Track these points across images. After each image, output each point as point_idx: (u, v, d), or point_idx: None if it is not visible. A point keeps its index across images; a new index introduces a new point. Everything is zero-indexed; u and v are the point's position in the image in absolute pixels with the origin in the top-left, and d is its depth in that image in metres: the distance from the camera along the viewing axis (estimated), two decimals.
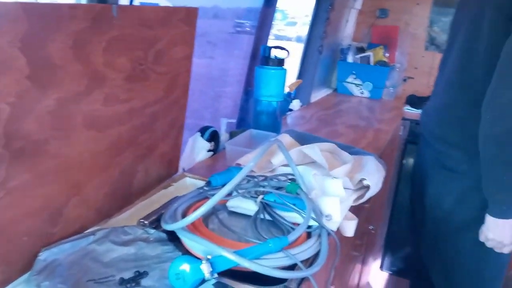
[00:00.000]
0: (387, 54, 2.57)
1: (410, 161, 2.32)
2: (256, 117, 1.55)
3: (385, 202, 2.34)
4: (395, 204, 2.41)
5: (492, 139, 1.07)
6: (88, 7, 0.73)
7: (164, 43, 0.93)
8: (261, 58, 1.48)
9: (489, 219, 1.15)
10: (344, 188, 1.07)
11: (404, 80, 2.59)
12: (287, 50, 1.49)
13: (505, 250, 1.18)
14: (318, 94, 2.51)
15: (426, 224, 1.40)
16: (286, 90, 1.91)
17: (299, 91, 2.20)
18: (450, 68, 1.31)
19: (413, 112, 2.33)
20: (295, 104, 2.14)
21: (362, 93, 2.57)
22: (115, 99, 0.85)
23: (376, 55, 2.48)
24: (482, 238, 1.19)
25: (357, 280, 1.80)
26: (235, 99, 1.76)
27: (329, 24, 2.08)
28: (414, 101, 2.43)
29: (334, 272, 1.06)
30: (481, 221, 1.20)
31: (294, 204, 0.95)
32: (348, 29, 2.62)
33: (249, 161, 0.85)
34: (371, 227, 1.82)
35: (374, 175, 1.13)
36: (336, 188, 1.01)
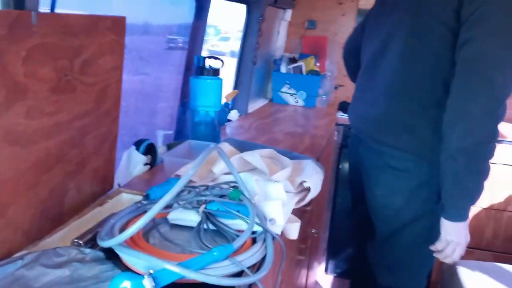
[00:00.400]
0: (318, 64, 2.66)
1: (346, 165, 2.40)
2: (194, 128, 1.52)
3: (326, 206, 2.39)
4: (335, 208, 2.47)
5: (462, 151, 1.12)
6: (4, 13, 0.68)
7: (91, 52, 0.89)
8: (196, 68, 1.46)
9: (447, 223, 1.22)
10: (286, 192, 1.08)
11: (336, 87, 2.69)
12: (221, 60, 1.49)
13: (462, 251, 1.27)
14: (255, 105, 2.54)
15: (373, 224, 1.44)
16: (223, 100, 1.92)
17: (237, 102, 2.21)
18: (387, 76, 1.32)
19: (345, 118, 2.41)
20: (233, 115, 2.15)
21: (296, 102, 2.63)
22: (40, 112, 0.79)
23: (307, 64, 2.56)
24: (441, 245, 1.25)
25: (304, 284, 1.81)
26: (171, 112, 1.73)
27: (261, 35, 2.12)
28: (345, 107, 2.53)
29: (281, 276, 1.06)
30: (427, 214, 1.30)
31: (237, 211, 0.94)
32: (280, 40, 2.69)
33: (187, 171, 0.83)
34: (314, 231, 1.85)
35: (314, 178, 1.15)
36: (278, 192, 1.01)
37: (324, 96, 2.62)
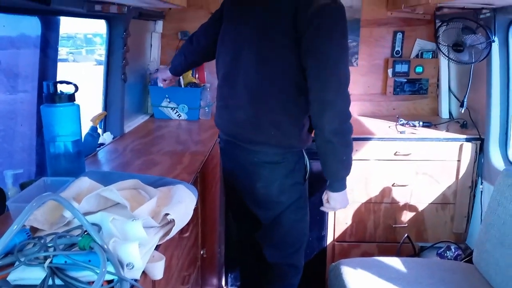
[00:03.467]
0: (196, 75, 2.61)
1: None
2: (51, 162, 1.36)
3: (217, 220, 2.35)
4: (228, 219, 2.44)
5: (334, 133, 1.41)
6: None
7: None
8: (45, 96, 1.31)
9: (335, 195, 1.55)
10: (149, 227, 1.00)
11: None
12: (74, 84, 1.35)
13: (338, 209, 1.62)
14: (134, 122, 2.40)
15: (260, 212, 1.68)
16: (89, 124, 1.76)
17: (109, 123, 2.06)
18: (247, 84, 1.53)
19: None
20: (106, 137, 1.99)
21: (179, 116, 2.55)
22: None
23: (185, 77, 2.49)
24: (325, 209, 1.62)
25: None
26: (28, 145, 1.53)
27: (128, 51, 1.99)
28: None
29: None
30: (297, 195, 1.63)
31: (89, 261, 0.84)
32: (153, 53, 2.58)
33: (13, 225, 0.71)
34: (202, 252, 1.79)
35: (181, 206, 1.09)
36: (136, 231, 0.92)
37: (206, 108, 2.57)
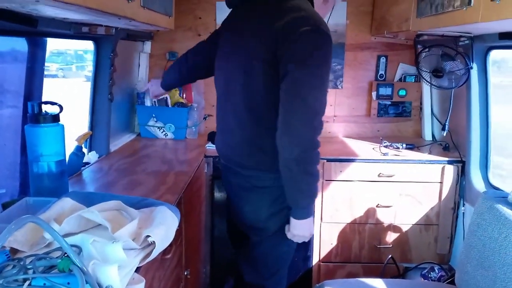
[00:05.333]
0: (184, 95, 2.63)
1: (220, 195, 2.38)
2: (34, 181, 1.36)
3: (202, 240, 2.34)
4: (213, 239, 2.43)
5: (292, 160, 1.37)
6: None
7: None
8: (30, 116, 1.31)
9: (294, 221, 1.49)
10: (129, 249, 1.00)
11: (205, 118, 2.68)
12: (59, 105, 1.36)
13: (306, 240, 1.57)
14: (120, 141, 2.40)
15: (247, 237, 1.69)
16: (74, 144, 1.76)
17: (94, 142, 2.06)
18: (236, 110, 1.55)
19: (214, 149, 2.40)
20: (92, 157, 1.99)
21: (166, 135, 2.56)
22: None
23: (172, 96, 2.51)
24: (289, 235, 1.54)
25: None
26: (8, 163, 1.52)
27: (115, 71, 2.01)
28: (214, 137, 2.52)
29: None
30: (285, 219, 1.55)
31: (68, 283, 0.84)
32: (141, 73, 2.60)
33: None
34: (186, 273, 1.78)
35: (162, 228, 1.09)
36: (116, 253, 0.93)
37: (193, 128, 2.59)
